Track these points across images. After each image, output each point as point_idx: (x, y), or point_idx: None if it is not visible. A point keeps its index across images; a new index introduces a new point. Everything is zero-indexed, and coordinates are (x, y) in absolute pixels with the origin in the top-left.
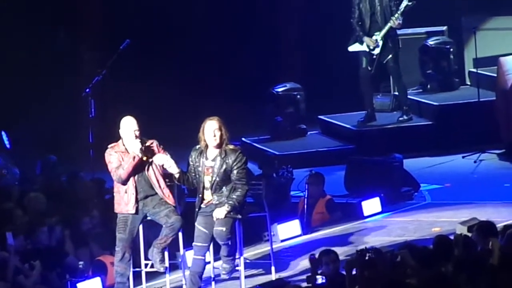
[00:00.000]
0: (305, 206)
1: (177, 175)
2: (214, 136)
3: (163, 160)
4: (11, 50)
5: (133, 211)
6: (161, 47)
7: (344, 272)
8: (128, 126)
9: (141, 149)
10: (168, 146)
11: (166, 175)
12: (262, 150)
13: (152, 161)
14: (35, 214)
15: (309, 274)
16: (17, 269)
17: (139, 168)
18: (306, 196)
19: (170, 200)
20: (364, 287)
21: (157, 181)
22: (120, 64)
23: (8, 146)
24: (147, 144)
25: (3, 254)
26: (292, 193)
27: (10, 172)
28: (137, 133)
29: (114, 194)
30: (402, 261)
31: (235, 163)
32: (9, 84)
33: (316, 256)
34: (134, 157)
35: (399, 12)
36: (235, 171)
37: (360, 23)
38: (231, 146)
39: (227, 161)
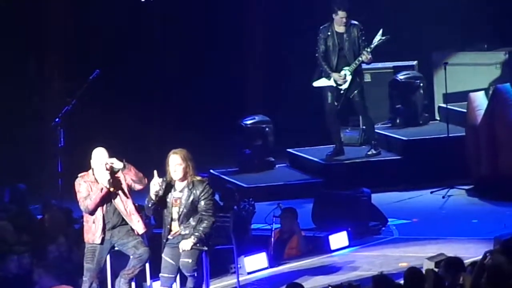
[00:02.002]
0: (272, 239)
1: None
2: (175, 171)
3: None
4: None
5: (99, 241)
6: (130, 78)
7: None
8: (98, 158)
9: (109, 180)
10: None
11: (140, 207)
12: (229, 182)
13: (119, 190)
14: (2, 243)
15: None
16: None
17: (107, 198)
18: (273, 229)
19: (140, 226)
20: None
21: (125, 208)
22: (90, 94)
23: None
24: (109, 162)
25: None
26: (259, 225)
27: None
28: (108, 166)
29: (84, 223)
30: None
31: (202, 194)
32: None
33: None
34: (102, 189)
35: (372, 46)
36: (202, 202)
37: (326, 58)
38: (198, 178)
39: (194, 192)
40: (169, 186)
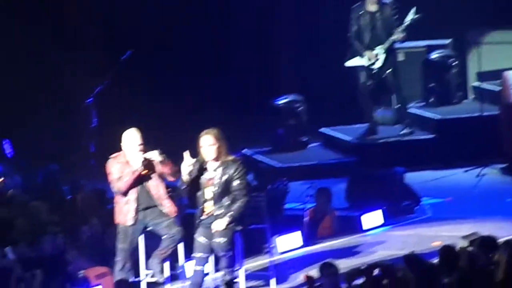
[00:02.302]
0: (307, 219)
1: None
2: (208, 152)
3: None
4: (13, 59)
5: (132, 222)
6: (163, 58)
7: (343, 286)
8: (131, 140)
9: (142, 162)
10: (170, 156)
11: (170, 186)
12: (262, 162)
13: (152, 173)
14: (37, 223)
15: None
16: (19, 278)
17: (140, 181)
18: (307, 209)
19: (172, 210)
20: None
21: (157, 192)
22: (123, 74)
23: (9, 154)
24: (148, 156)
25: (5, 263)
26: (293, 205)
27: (11, 181)
28: (141, 147)
29: (115, 204)
30: (404, 277)
31: (235, 174)
32: (11, 93)
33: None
34: (134, 171)
35: (404, 24)
36: (235, 182)
37: (359, 37)
38: (231, 157)
39: (227, 172)
40: (201, 167)
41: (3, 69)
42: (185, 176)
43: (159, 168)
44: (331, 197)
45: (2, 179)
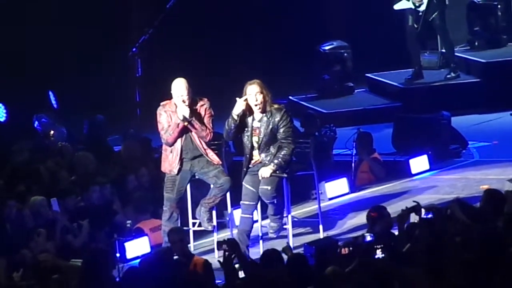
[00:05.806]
0: (353, 164)
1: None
2: (256, 100)
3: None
4: (57, 11)
5: (175, 172)
6: (208, 6)
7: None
8: (175, 91)
9: (184, 116)
10: (214, 105)
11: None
12: (309, 108)
13: (195, 124)
14: (84, 174)
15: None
16: (66, 229)
17: (185, 130)
18: (353, 154)
19: (215, 160)
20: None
21: (201, 142)
22: (167, 23)
23: (55, 105)
24: (198, 104)
25: (52, 215)
26: (340, 151)
27: (57, 132)
28: (184, 98)
29: (162, 151)
30: (452, 215)
31: (281, 122)
32: (56, 45)
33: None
34: (178, 124)
35: None
36: (281, 130)
37: None
38: (275, 105)
39: (273, 120)
40: (246, 115)
41: (49, 19)
42: (235, 115)
43: (204, 115)
44: (369, 142)
45: (52, 132)
